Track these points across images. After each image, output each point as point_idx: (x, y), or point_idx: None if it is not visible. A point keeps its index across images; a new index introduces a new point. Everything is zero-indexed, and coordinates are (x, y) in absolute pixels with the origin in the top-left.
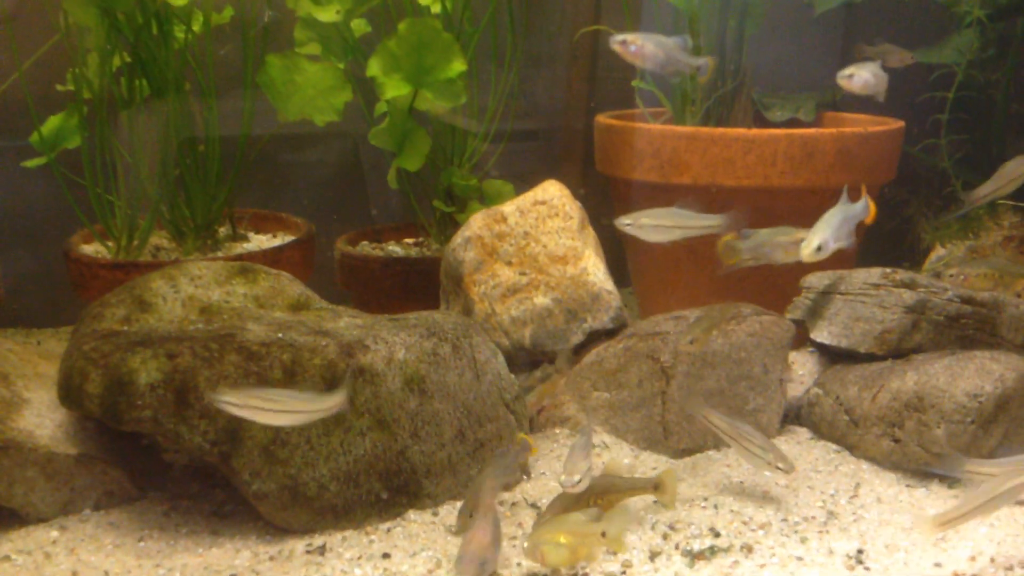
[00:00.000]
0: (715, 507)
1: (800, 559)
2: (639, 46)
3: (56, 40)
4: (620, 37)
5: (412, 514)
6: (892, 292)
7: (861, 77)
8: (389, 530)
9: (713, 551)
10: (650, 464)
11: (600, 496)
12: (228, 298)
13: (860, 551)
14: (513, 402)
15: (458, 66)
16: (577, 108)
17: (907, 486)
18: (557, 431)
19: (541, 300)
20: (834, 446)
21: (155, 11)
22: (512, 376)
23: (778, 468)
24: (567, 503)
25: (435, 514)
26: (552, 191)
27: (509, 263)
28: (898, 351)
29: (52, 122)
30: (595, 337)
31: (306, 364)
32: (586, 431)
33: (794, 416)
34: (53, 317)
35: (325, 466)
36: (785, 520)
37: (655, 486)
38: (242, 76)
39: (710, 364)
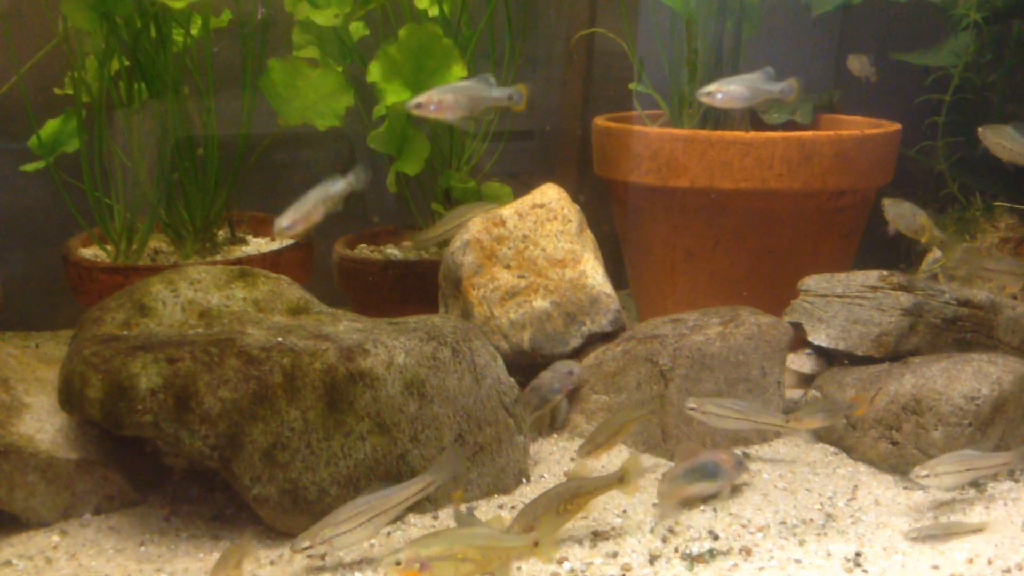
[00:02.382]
0: (714, 510)
1: (798, 562)
2: (437, 102)
3: (54, 44)
4: (414, 102)
5: (412, 518)
6: (890, 295)
7: (725, 92)
8: (389, 534)
9: (712, 554)
10: (648, 467)
11: (569, 501)
12: (228, 302)
13: (858, 554)
14: (512, 406)
15: (458, 71)
16: (573, 110)
17: (905, 488)
18: (555, 436)
19: (540, 303)
20: (832, 448)
21: (153, 14)
22: (511, 380)
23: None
24: (538, 510)
25: (435, 518)
26: (551, 194)
27: (508, 266)
28: (895, 354)
29: (50, 126)
30: (594, 340)
31: (306, 368)
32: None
33: None
34: (51, 320)
35: (326, 470)
36: (783, 523)
37: (620, 479)
38: (239, 79)
39: (708, 367)
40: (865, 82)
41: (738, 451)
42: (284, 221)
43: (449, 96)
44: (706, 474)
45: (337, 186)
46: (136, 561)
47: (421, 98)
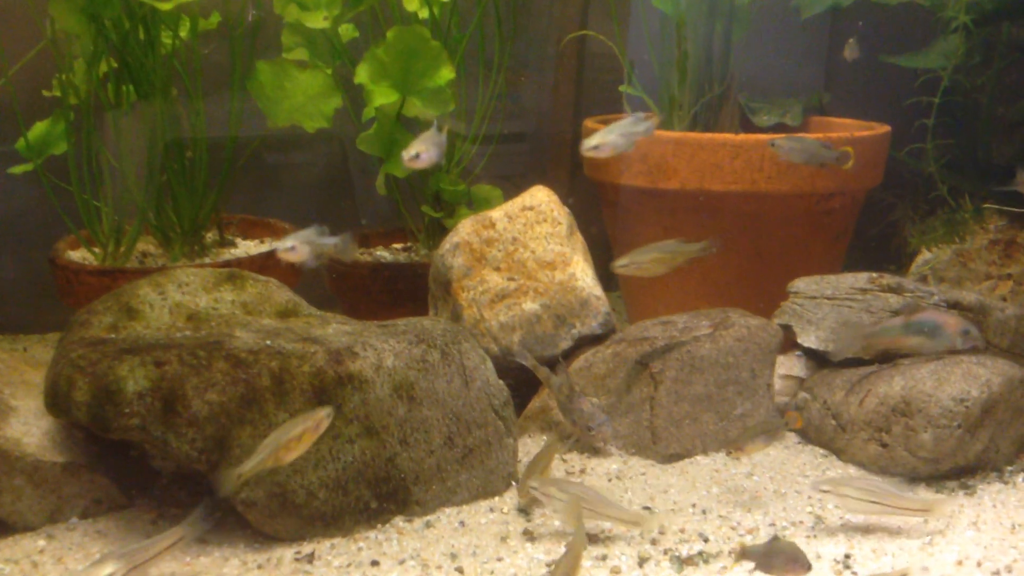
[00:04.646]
0: (703, 512)
1: None
2: (423, 155)
3: (43, 46)
4: (411, 153)
5: (401, 521)
6: (879, 297)
7: (605, 143)
8: (378, 538)
9: (702, 556)
10: (638, 470)
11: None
12: (216, 305)
13: (847, 556)
14: (502, 408)
15: (446, 74)
16: (564, 112)
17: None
18: (544, 437)
19: (530, 306)
20: (822, 450)
21: (142, 16)
22: (501, 382)
23: None
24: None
25: (424, 522)
26: (540, 197)
27: (498, 269)
28: (885, 356)
29: (38, 128)
30: (584, 343)
31: (294, 371)
32: None
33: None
34: (39, 323)
35: (314, 474)
36: (773, 525)
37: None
38: (229, 81)
39: (698, 369)
40: (852, 64)
41: (723, 453)
42: (289, 242)
43: (435, 149)
44: (923, 331)
45: (324, 240)
46: None
47: (411, 151)
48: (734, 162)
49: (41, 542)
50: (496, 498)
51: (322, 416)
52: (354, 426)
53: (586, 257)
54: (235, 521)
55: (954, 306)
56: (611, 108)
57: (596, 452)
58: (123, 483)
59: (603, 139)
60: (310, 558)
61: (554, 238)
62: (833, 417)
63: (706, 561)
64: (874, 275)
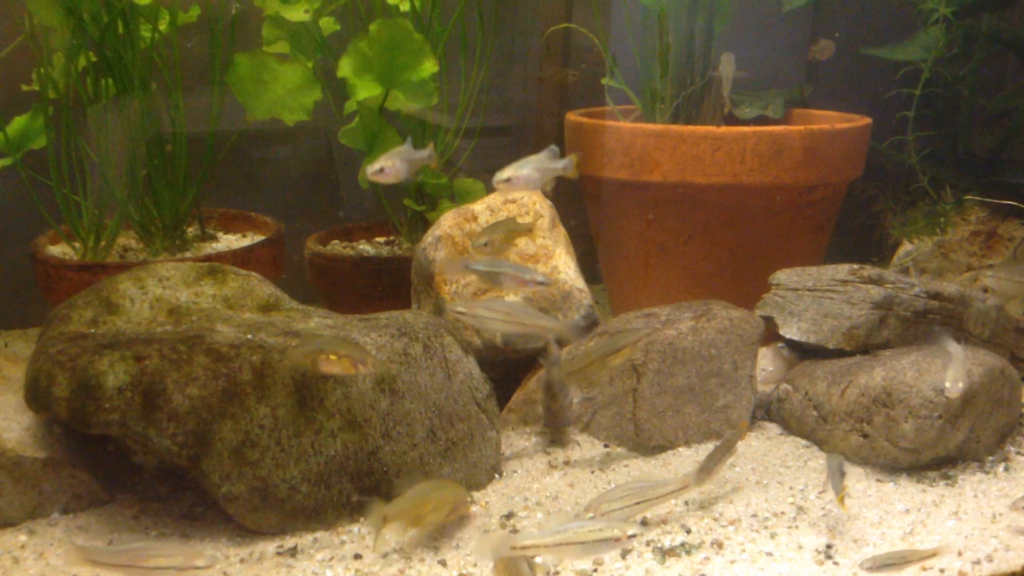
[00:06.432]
0: (685, 504)
1: (770, 554)
2: (388, 169)
3: (21, 40)
4: (375, 167)
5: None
6: (860, 288)
7: (518, 177)
8: (360, 531)
9: (684, 547)
10: (621, 462)
11: None
12: (197, 299)
13: (829, 546)
14: (484, 401)
15: (429, 67)
16: (548, 105)
17: (876, 480)
18: (528, 429)
19: (512, 299)
20: (803, 441)
21: (121, 10)
22: (483, 375)
23: None
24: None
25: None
26: None
27: None
28: (866, 347)
29: (17, 123)
30: None
31: (276, 366)
32: None
33: (764, 412)
34: (20, 319)
35: (296, 468)
36: (755, 516)
37: None
38: (209, 74)
39: (680, 361)
40: (833, 56)
41: (709, 444)
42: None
43: (402, 164)
44: None
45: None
46: None
47: (376, 165)
48: (716, 155)
49: (22, 537)
50: (479, 491)
51: (370, 360)
52: (336, 420)
53: (568, 250)
54: (217, 515)
55: (935, 297)
56: (595, 101)
57: (579, 444)
58: (104, 478)
59: (515, 172)
60: (292, 552)
61: (536, 231)
62: (815, 408)
63: (688, 552)
64: (855, 266)
